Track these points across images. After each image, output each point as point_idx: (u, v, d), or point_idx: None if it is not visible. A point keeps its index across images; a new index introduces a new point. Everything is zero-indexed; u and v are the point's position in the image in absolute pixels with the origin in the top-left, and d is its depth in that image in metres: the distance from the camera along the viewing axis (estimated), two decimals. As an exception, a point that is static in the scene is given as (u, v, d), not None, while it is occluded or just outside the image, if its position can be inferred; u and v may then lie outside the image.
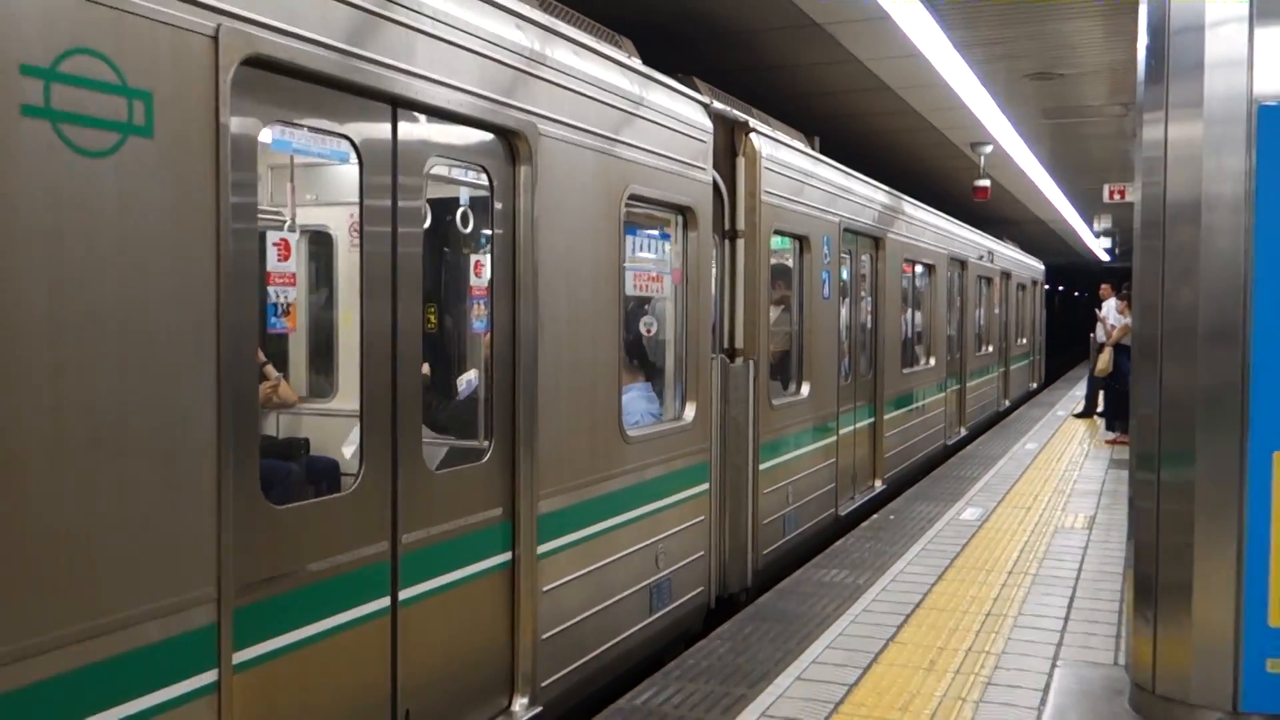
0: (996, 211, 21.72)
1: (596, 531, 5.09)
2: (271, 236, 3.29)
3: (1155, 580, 4.29)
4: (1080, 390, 21.85)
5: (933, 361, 13.16)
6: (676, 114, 5.89)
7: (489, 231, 4.38)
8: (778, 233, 7.59)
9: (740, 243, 7.05)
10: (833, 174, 8.93)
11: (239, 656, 3.08)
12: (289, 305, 3.28)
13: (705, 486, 6.35)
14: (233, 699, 3.03)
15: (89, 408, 2.62)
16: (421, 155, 3.92)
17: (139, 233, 2.74)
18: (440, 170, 4.46)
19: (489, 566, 4.37)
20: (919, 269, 12.70)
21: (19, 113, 2.45)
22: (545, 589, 4.63)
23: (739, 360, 7.02)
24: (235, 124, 3.02)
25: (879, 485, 10.46)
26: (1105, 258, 35.75)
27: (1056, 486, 10.83)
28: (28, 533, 2.49)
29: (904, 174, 14.79)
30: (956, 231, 14.82)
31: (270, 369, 5.48)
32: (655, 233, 5.90)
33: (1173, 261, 4.33)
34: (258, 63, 3.11)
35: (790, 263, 8.32)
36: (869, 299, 10.42)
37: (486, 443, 4.40)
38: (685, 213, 6.10)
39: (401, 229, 3.78)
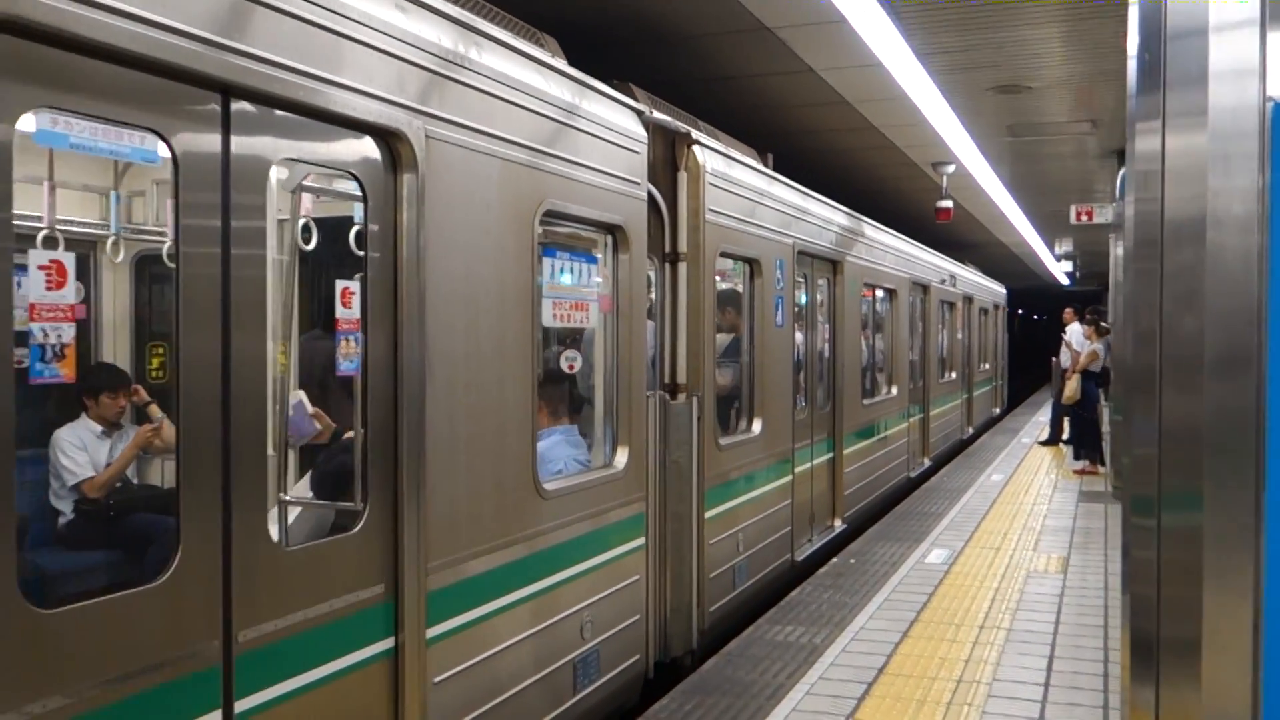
0: (959, 235, 20.98)
1: (506, 605, 4.33)
2: (37, 258, 2.53)
3: (1156, 640, 3.69)
4: (1044, 415, 21.51)
5: (895, 390, 12.51)
6: (605, 121, 5.19)
7: (362, 253, 3.63)
8: (725, 255, 6.90)
9: (682, 266, 6.35)
10: (786, 192, 8.26)
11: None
12: (63, 346, 2.51)
13: (641, 541, 5.62)
14: None
15: None
16: (264, 159, 3.17)
17: None
18: (286, 177, 3.71)
19: (365, 658, 3.60)
20: (879, 294, 12.07)
21: None
22: (437, 680, 3.87)
23: (681, 397, 6.31)
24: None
25: (839, 525, 9.76)
26: (1065, 281, 35.42)
27: (1025, 523, 10.26)
28: None
29: (863, 194, 14.08)
30: (918, 255, 14.23)
31: (155, 409, 4.73)
32: (580, 255, 5.18)
33: (1172, 284, 3.76)
34: (12, 27, 2.37)
35: (740, 288, 7.63)
36: (826, 326, 9.76)
37: (362, 505, 3.64)
38: (615, 232, 5.39)
39: (236, 250, 3.03)
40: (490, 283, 4.21)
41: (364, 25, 3.50)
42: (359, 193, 3.59)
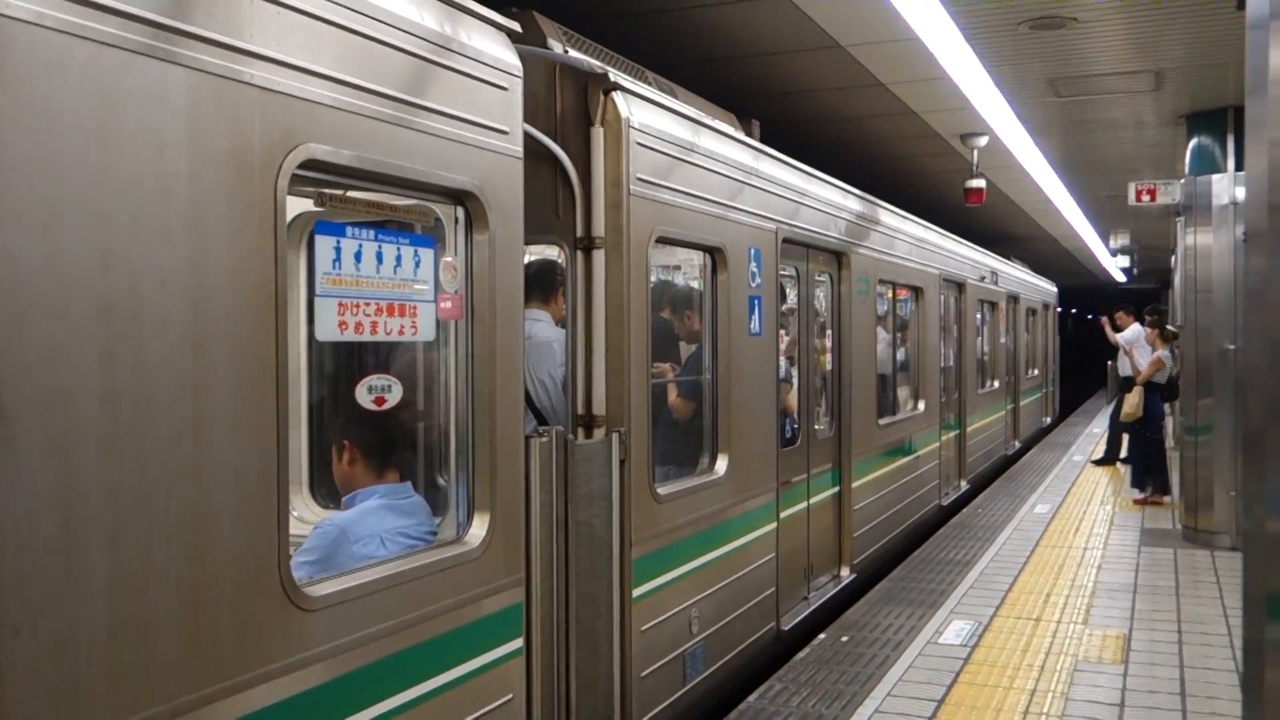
0: (998, 226, 19.07)
1: (218, 793, 2.66)
2: None
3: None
4: (1098, 427, 19.54)
5: (921, 406, 10.69)
6: (434, 35, 3.51)
7: None
8: (665, 241, 5.20)
9: (598, 255, 4.66)
10: (764, 163, 6.52)
11: None
12: None
13: (517, 644, 3.92)
14: None
15: None
16: None
17: None
18: None
19: None
20: (901, 293, 10.27)
21: None
22: None
23: (598, 433, 4.62)
24: None
25: (846, 575, 7.99)
26: (1121, 278, 33.24)
27: (1074, 577, 8.15)
28: None
29: (876, 177, 12.09)
30: (950, 247, 12.38)
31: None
32: (399, 236, 3.51)
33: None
34: None
35: (697, 285, 5.93)
36: (829, 332, 8.00)
37: None
38: (465, 201, 3.71)
39: None
40: (171, 273, 2.55)
41: None
42: None
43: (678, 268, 6.18)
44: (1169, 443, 12.91)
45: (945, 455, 11.74)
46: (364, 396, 3.41)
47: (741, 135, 6.50)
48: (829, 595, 7.51)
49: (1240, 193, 8.83)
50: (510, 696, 3.88)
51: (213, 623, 2.66)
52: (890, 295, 9.86)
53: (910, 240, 10.20)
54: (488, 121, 3.77)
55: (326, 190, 3.28)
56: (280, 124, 2.86)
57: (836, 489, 7.94)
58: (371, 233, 3.34)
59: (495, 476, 3.79)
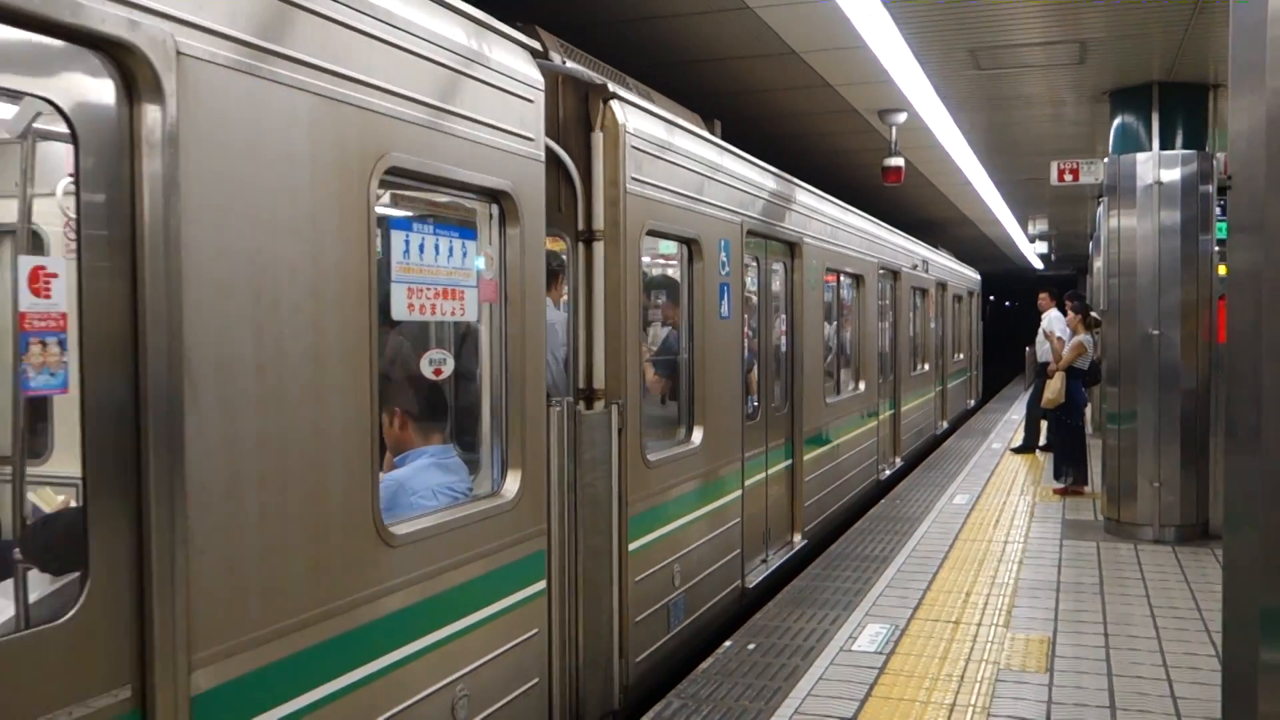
0: (919, 211, 19.12)
1: (329, 694, 3.22)
2: None
3: None
4: (1016, 414, 19.21)
5: (862, 386, 11.45)
6: (479, 56, 4.07)
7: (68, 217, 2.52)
8: (654, 234, 5.80)
9: (598, 247, 5.25)
10: (733, 163, 7.16)
11: None
12: None
13: (540, 586, 4.52)
14: None
15: None
16: None
17: None
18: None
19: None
20: (844, 280, 11.00)
21: None
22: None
23: (598, 405, 5.22)
24: None
25: (799, 540, 8.69)
26: (1039, 265, 33.85)
27: (995, 574, 7.75)
28: None
29: (795, 155, 11.63)
30: (888, 238, 13.17)
31: None
32: (450, 230, 4.06)
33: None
34: None
35: (674, 273, 6.54)
36: (783, 316, 8.68)
37: (84, 577, 2.53)
38: (500, 200, 4.27)
39: None
40: (300, 264, 3.09)
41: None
42: (65, 129, 2.47)
43: (657, 258, 6.77)
44: (1089, 430, 12.48)
45: (882, 433, 12.53)
46: (426, 368, 3.97)
47: (710, 135, 7.11)
48: (786, 557, 8.20)
49: (1165, 174, 8.74)
50: (536, 630, 4.48)
51: (327, 554, 3.21)
52: (835, 282, 10.57)
53: (852, 231, 10.94)
54: (519, 130, 4.34)
55: (403, 192, 3.82)
56: (371, 137, 3.41)
57: (789, 461, 8.63)
58: (431, 227, 3.89)
59: (525, 440, 4.37)
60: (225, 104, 2.82)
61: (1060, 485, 11.40)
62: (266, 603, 2.98)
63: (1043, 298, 14.23)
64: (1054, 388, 11.35)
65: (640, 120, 5.53)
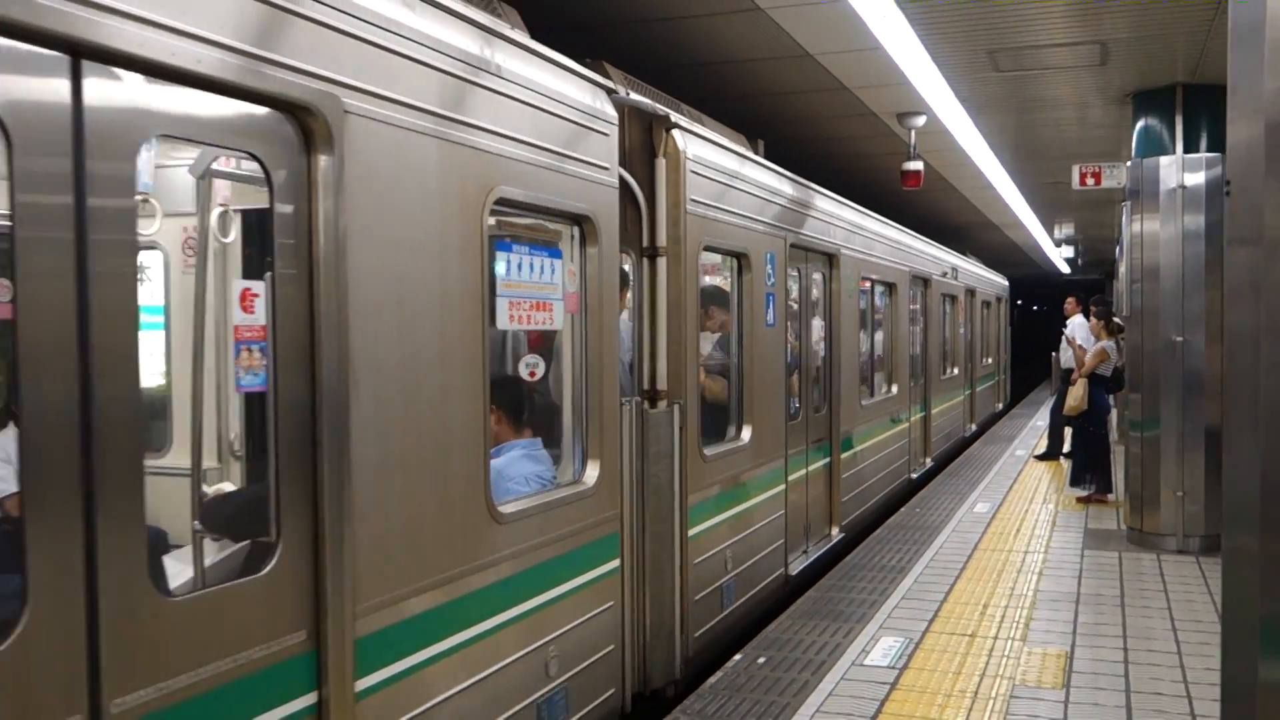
0: (942, 216, 19.08)
1: (453, 646, 3.80)
2: None
3: None
4: (1041, 420, 18.97)
5: (895, 389, 11.97)
6: (566, 98, 4.65)
7: (263, 247, 3.11)
8: (709, 249, 6.36)
9: (662, 262, 5.82)
10: (778, 181, 7.72)
11: None
12: None
13: (615, 564, 5.09)
14: None
15: None
16: (130, 132, 2.64)
17: None
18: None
19: (281, 718, 3.08)
20: (878, 288, 11.53)
21: None
22: (368, 732, 3.35)
23: (661, 404, 5.78)
24: None
25: (836, 534, 9.22)
26: (1065, 269, 33.84)
27: (1014, 585, 7.63)
28: None
29: (815, 159, 11.59)
30: (918, 246, 13.69)
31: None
32: (542, 250, 4.64)
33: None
34: None
35: (726, 285, 7.10)
36: (822, 324, 9.21)
37: (275, 542, 3.12)
38: (582, 223, 4.85)
39: (95, 237, 2.50)
40: (430, 282, 3.68)
41: (264, -21, 2.97)
42: (261, 175, 3.06)
43: (708, 270, 7.32)
44: (1113, 437, 12.42)
45: (913, 435, 13.04)
46: (522, 370, 4.55)
47: (757, 157, 7.67)
48: (825, 548, 8.73)
49: (1188, 177, 8.56)
50: (611, 603, 5.05)
51: (451, 527, 3.80)
52: (869, 290, 11.10)
53: (886, 241, 11.46)
54: (597, 161, 4.92)
55: (505, 219, 4.40)
56: (484, 174, 3.99)
57: (828, 459, 9.16)
58: (527, 248, 4.48)
59: (602, 435, 4.94)
60: (377, 151, 3.41)
61: (1084, 494, 11.28)
62: (407, 567, 3.56)
63: (1070, 302, 14.21)
64: (1076, 394, 11.22)
65: (698, 147, 6.09)
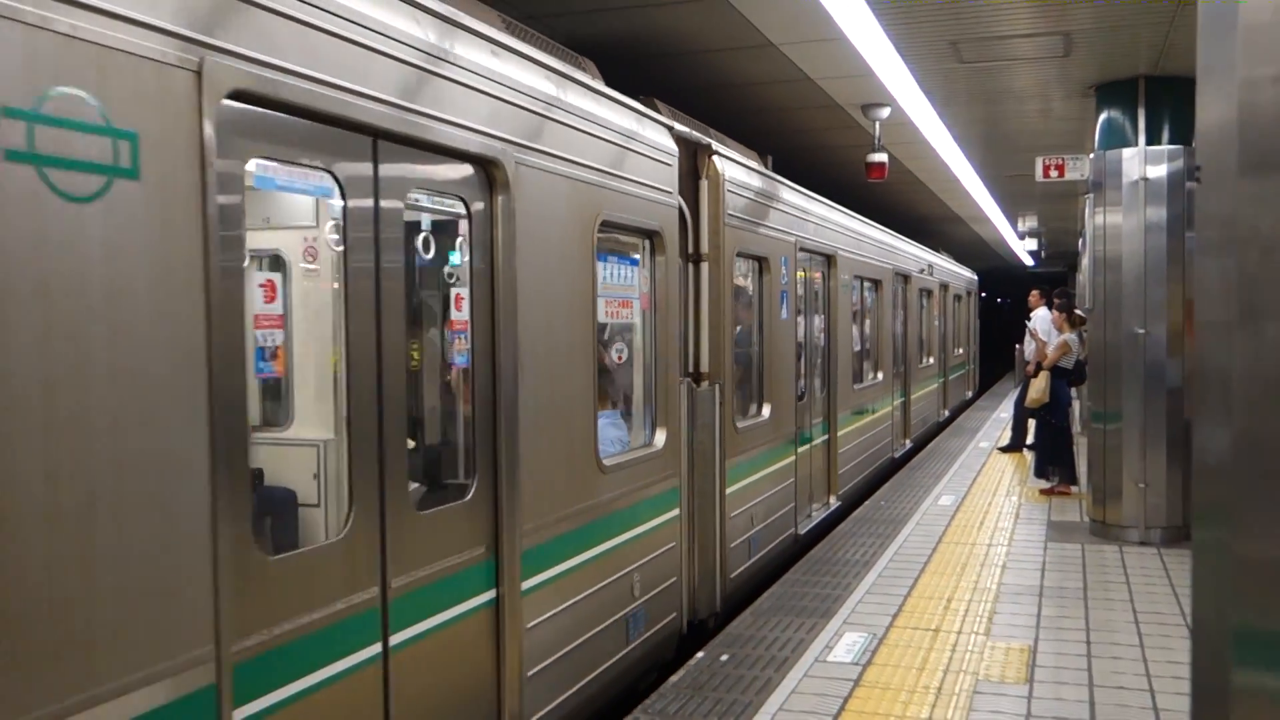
0: (908, 210, 18.99)
1: (576, 565, 5.00)
2: (257, 278, 3.17)
3: None
4: (1005, 412, 19.07)
5: (880, 376, 13.25)
6: (643, 138, 5.84)
7: (463, 264, 4.28)
8: (740, 255, 7.57)
9: (704, 266, 7.01)
10: (790, 194, 8.94)
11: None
12: (276, 348, 3.16)
13: (676, 512, 6.29)
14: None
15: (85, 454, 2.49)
16: (401, 188, 3.81)
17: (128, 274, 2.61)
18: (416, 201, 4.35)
19: (474, 606, 4.25)
20: (867, 285, 12.79)
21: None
22: (529, 625, 4.52)
23: (705, 384, 6.98)
24: (220, 162, 2.89)
25: (834, 501, 10.48)
26: (1029, 262, 33.90)
27: (977, 579, 7.61)
28: None
29: (782, 153, 11.22)
30: (900, 246, 14.97)
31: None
32: (624, 259, 5.84)
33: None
34: (242, 97, 2.99)
35: (749, 284, 8.30)
36: (822, 317, 10.45)
37: (469, 480, 4.29)
38: (652, 237, 6.04)
39: (385, 263, 3.67)
40: (562, 286, 4.87)
41: (468, 69, 4.13)
42: (463, 212, 4.23)
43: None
44: (1075, 429, 12.32)
45: (895, 417, 14.33)
46: (612, 355, 5.75)
47: (768, 171, 8.88)
48: (827, 514, 9.99)
49: (1151, 169, 8.61)
50: (674, 544, 6.25)
51: (575, 475, 4.98)
52: (860, 287, 12.35)
53: (873, 242, 12.73)
54: (663, 186, 6.10)
55: (603, 235, 5.58)
56: (594, 202, 5.17)
57: (827, 436, 10.41)
58: (617, 259, 5.66)
59: (668, 406, 6.14)
60: (533, 190, 4.58)
61: (1046, 485, 11.33)
62: (549, 502, 4.75)
63: (1034, 295, 14.04)
64: (1038, 387, 11.26)
65: (733, 170, 7.30)
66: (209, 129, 2.82)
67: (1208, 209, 2.24)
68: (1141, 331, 8.65)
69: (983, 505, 10.56)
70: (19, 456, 2.36)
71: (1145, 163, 8.70)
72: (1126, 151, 8.81)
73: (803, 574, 7.82)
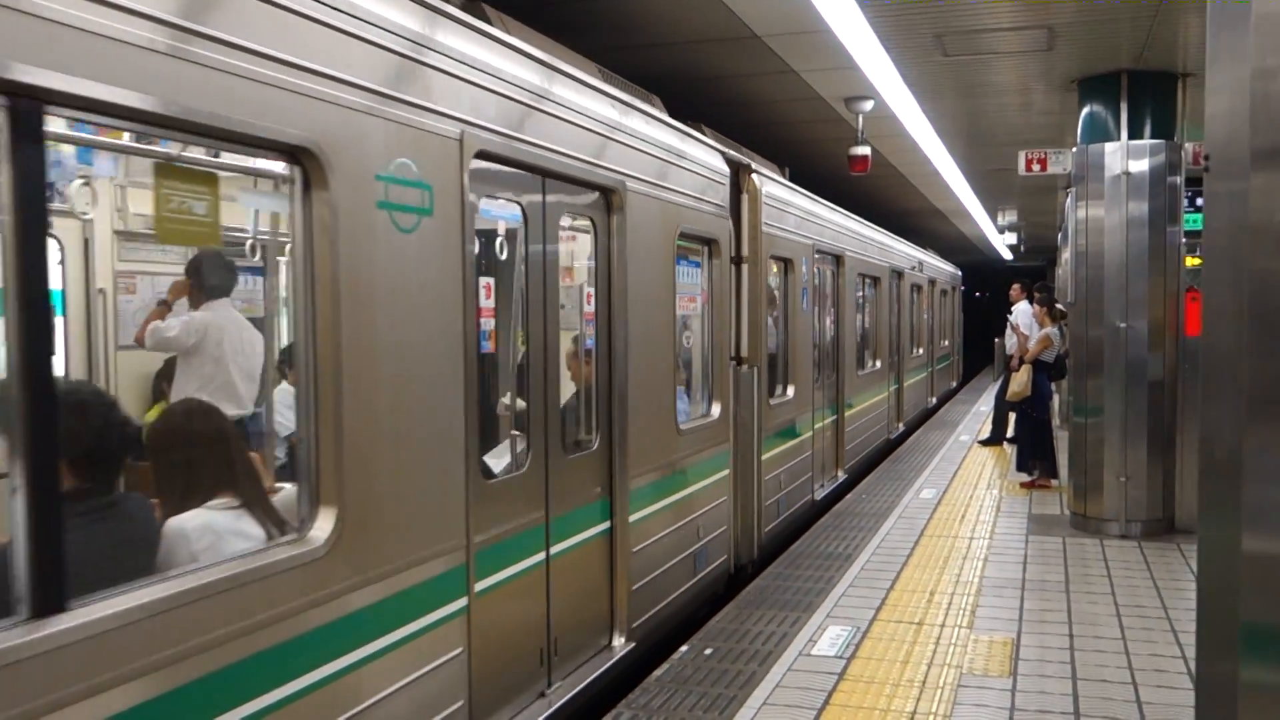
0: (890, 203, 19.15)
1: (662, 506, 6.29)
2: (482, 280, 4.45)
3: None
4: (985, 405, 19.09)
5: (879, 364, 14.60)
6: (706, 163, 7.12)
7: (591, 269, 5.58)
8: (772, 258, 8.86)
9: (745, 267, 8.30)
10: (809, 203, 10.26)
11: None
12: (491, 332, 4.45)
13: (727, 472, 7.59)
14: (470, 615, 4.17)
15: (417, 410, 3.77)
16: (558, 213, 5.09)
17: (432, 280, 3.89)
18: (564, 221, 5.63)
19: (597, 532, 5.54)
20: (868, 281, 14.12)
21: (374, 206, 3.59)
22: (634, 550, 5.82)
23: (745, 367, 8.28)
24: (471, 201, 4.17)
25: (841, 475, 11.82)
26: (1008, 256, 33.86)
27: (960, 571, 7.68)
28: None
29: (765, 145, 11.32)
30: (896, 245, 16.33)
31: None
32: (690, 262, 7.13)
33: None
34: (481, 155, 4.26)
35: (776, 282, 9.61)
36: (833, 311, 11.78)
37: (593, 437, 5.58)
38: (711, 244, 7.33)
39: (549, 269, 4.95)
40: (654, 285, 6.15)
41: (593, 117, 5.40)
42: (590, 229, 5.51)
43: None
44: (1055, 422, 12.50)
45: (891, 402, 15.69)
46: (683, 341, 7.04)
47: (788, 181, 10.18)
48: (836, 484, 11.34)
49: (1133, 164, 8.70)
50: (725, 498, 7.56)
51: (660, 434, 6.27)
52: (862, 284, 13.69)
53: (874, 243, 14.07)
54: (719, 202, 7.39)
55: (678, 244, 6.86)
56: (675, 218, 6.45)
57: (836, 416, 11.75)
58: (685, 262, 6.95)
59: (721, 383, 7.44)
60: (636, 210, 5.86)
61: (1028, 479, 11.41)
62: (645, 455, 6.03)
63: (1015, 289, 14.27)
64: (1020, 380, 11.37)
65: (769, 185, 8.60)
66: (466, 179, 4.09)
67: (1216, 198, 2.23)
68: (1123, 326, 8.73)
69: (964, 499, 10.60)
70: (380, 401, 3.62)
71: (1127, 157, 8.77)
72: (1109, 146, 8.88)
73: (785, 567, 7.90)
